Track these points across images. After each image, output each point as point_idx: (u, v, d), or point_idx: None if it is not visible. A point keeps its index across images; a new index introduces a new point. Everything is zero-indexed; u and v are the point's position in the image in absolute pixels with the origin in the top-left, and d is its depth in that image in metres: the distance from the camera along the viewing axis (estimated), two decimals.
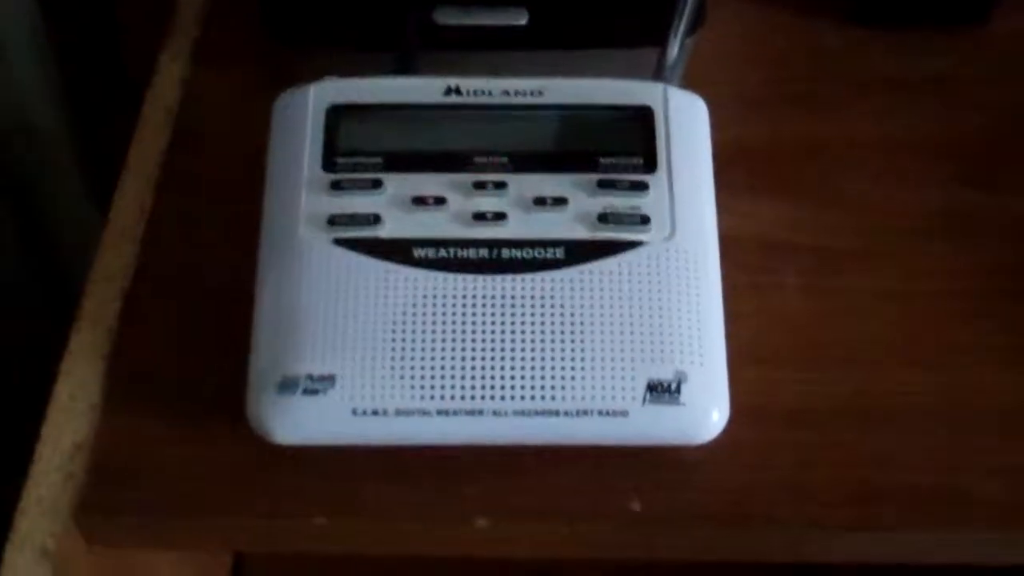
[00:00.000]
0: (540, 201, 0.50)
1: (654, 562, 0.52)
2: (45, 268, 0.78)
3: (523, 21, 0.56)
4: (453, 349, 0.48)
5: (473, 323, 0.48)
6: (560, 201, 0.50)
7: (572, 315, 0.48)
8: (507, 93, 0.52)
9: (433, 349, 0.48)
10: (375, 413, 0.47)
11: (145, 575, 0.60)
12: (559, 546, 0.50)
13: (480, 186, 0.50)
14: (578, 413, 0.47)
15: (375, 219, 0.50)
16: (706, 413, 0.48)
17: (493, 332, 0.48)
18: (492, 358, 0.47)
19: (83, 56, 0.75)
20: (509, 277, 0.49)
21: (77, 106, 0.75)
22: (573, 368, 0.47)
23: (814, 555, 0.50)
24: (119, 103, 0.62)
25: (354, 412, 0.47)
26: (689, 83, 0.56)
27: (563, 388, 0.47)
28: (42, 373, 0.53)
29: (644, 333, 0.48)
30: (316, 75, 0.54)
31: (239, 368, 0.49)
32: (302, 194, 0.51)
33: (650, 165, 0.51)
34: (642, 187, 0.50)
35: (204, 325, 0.53)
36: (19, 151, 0.74)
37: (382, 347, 0.48)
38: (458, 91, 0.52)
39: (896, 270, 0.55)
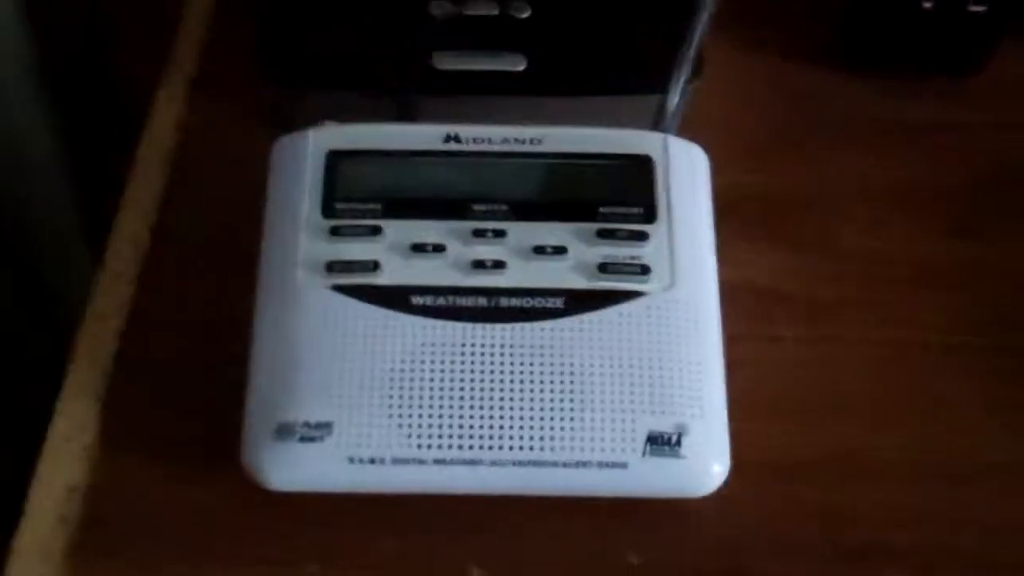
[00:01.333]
0: (539, 250, 0.50)
1: None
2: (37, 305, 0.77)
3: (521, 67, 0.56)
4: (451, 398, 0.47)
5: (471, 372, 0.48)
6: (560, 250, 0.50)
7: (571, 365, 0.48)
8: (507, 141, 0.52)
9: (431, 398, 0.47)
10: (371, 461, 0.47)
11: None
12: None
13: (479, 234, 0.50)
14: (577, 464, 0.47)
15: (374, 266, 0.50)
16: (707, 466, 0.48)
17: (491, 381, 0.48)
18: (490, 407, 0.47)
19: (79, 90, 0.75)
20: (508, 326, 0.49)
21: (72, 140, 0.75)
22: (572, 419, 0.47)
23: None
24: (114, 136, 0.62)
25: (350, 460, 0.47)
26: (685, 130, 0.57)
27: (562, 439, 0.47)
28: (35, 413, 0.53)
29: (644, 384, 0.48)
30: (314, 116, 0.54)
31: (235, 413, 0.49)
32: (300, 239, 0.50)
33: (650, 215, 0.51)
34: (642, 237, 0.50)
35: (200, 368, 0.53)
36: (13, 185, 0.73)
37: (379, 395, 0.47)
38: (457, 139, 0.52)
39: (887, 321, 0.55)
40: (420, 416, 0.47)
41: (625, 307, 0.49)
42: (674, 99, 0.55)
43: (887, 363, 0.54)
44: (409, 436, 0.47)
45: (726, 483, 0.48)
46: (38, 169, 0.74)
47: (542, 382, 0.48)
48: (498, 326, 0.49)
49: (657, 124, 0.55)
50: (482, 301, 0.49)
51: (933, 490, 0.51)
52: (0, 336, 0.77)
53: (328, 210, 0.51)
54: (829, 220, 0.58)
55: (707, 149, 0.54)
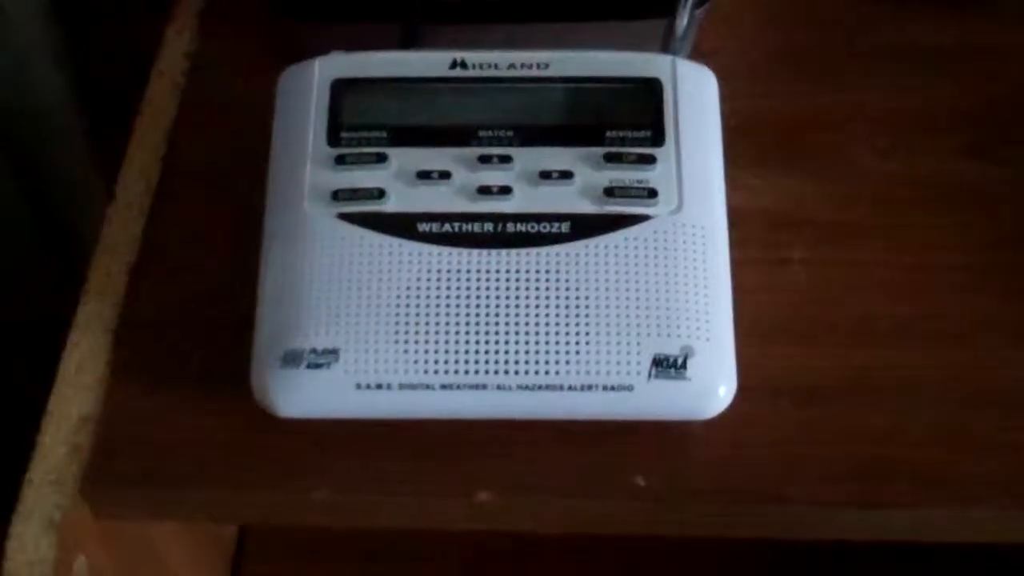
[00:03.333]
0: (546, 175, 0.50)
1: (659, 538, 0.51)
2: (50, 236, 0.78)
3: None
4: (457, 324, 0.47)
5: (477, 298, 0.48)
6: (566, 175, 0.50)
7: (577, 290, 0.48)
8: (513, 66, 0.52)
9: (437, 324, 0.47)
10: (379, 387, 0.47)
11: (150, 546, 0.60)
12: (561, 521, 0.50)
13: (485, 160, 0.50)
14: (583, 388, 0.47)
15: (379, 193, 0.50)
16: (712, 388, 0.48)
17: (497, 307, 0.48)
18: (496, 333, 0.47)
19: (90, 24, 0.75)
20: (514, 251, 0.48)
21: (84, 76, 0.75)
22: (578, 343, 0.47)
23: (819, 532, 0.50)
24: (129, 75, 0.62)
25: (358, 386, 0.47)
26: (698, 55, 0.56)
27: (568, 363, 0.47)
28: (49, 345, 0.54)
29: (650, 308, 0.48)
30: (323, 48, 0.53)
31: (245, 341, 0.49)
32: (306, 168, 0.50)
33: (658, 138, 0.51)
34: (649, 160, 0.50)
35: (211, 299, 0.53)
36: (22, 119, 0.73)
37: (386, 321, 0.48)
38: (464, 64, 0.52)
39: (904, 244, 0.54)
40: (427, 342, 0.47)
41: (632, 231, 0.49)
42: (682, 22, 0.54)
43: (901, 285, 0.53)
44: (416, 362, 0.47)
45: (734, 405, 0.48)
46: (51, 102, 0.74)
47: (548, 307, 0.48)
48: (504, 251, 0.49)
49: (666, 48, 0.54)
50: (488, 227, 0.49)
51: (947, 411, 0.50)
52: (14, 269, 0.77)
53: (333, 139, 0.51)
54: (843, 144, 0.57)
55: (719, 73, 0.53)
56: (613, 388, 0.47)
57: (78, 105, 0.74)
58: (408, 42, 0.55)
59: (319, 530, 0.72)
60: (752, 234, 0.53)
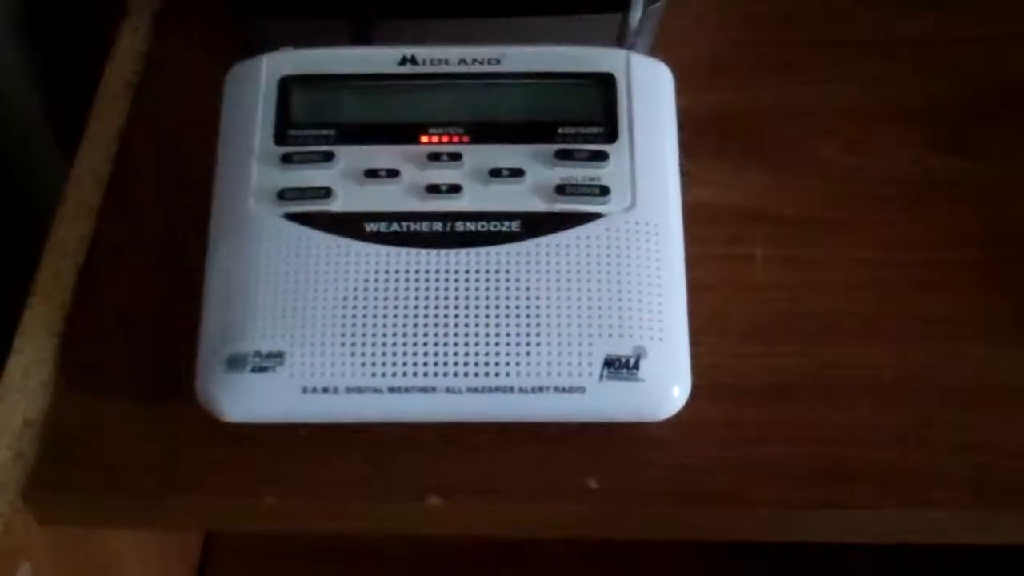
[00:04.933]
0: (496, 172, 0.49)
1: (612, 542, 0.50)
2: (23, 241, 0.77)
3: None
4: (405, 325, 0.46)
5: (426, 298, 0.47)
6: (517, 172, 0.49)
7: (528, 289, 0.47)
8: (464, 62, 0.51)
9: (385, 325, 0.46)
10: (325, 391, 0.46)
11: (104, 554, 0.59)
12: (514, 525, 0.49)
13: (435, 158, 0.49)
14: (534, 390, 0.46)
15: (326, 193, 0.49)
16: (666, 389, 0.47)
17: (447, 307, 0.47)
18: (446, 334, 0.46)
19: (59, 27, 0.74)
20: (463, 251, 0.48)
21: (53, 78, 0.74)
22: (529, 344, 0.46)
23: (777, 534, 0.49)
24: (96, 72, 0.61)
25: (304, 390, 0.46)
26: (659, 50, 0.55)
27: (518, 364, 0.46)
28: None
29: (602, 308, 0.47)
30: (277, 44, 0.52)
31: (191, 345, 0.48)
32: (253, 167, 0.49)
33: (611, 134, 0.50)
34: (602, 157, 0.49)
35: (160, 300, 0.52)
36: None
37: (332, 323, 0.47)
38: (413, 60, 0.51)
39: (867, 240, 0.54)
40: (374, 344, 0.46)
41: (584, 229, 0.48)
42: (636, 15, 0.53)
43: (865, 282, 0.52)
44: (363, 364, 0.46)
45: (691, 405, 0.47)
46: (17, 101, 0.73)
47: (498, 307, 0.47)
48: (453, 251, 0.48)
49: (621, 43, 0.53)
50: (437, 226, 0.48)
51: (910, 410, 0.49)
52: None
53: (280, 137, 0.50)
54: (807, 138, 0.57)
55: (681, 68, 0.52)
56: (565, 390, 0.46)
57: (47, 105, 0.74)
58: (360, 37, 0.54)
59: (285, 535, 0.72)
60: (713, 230, 0.53)
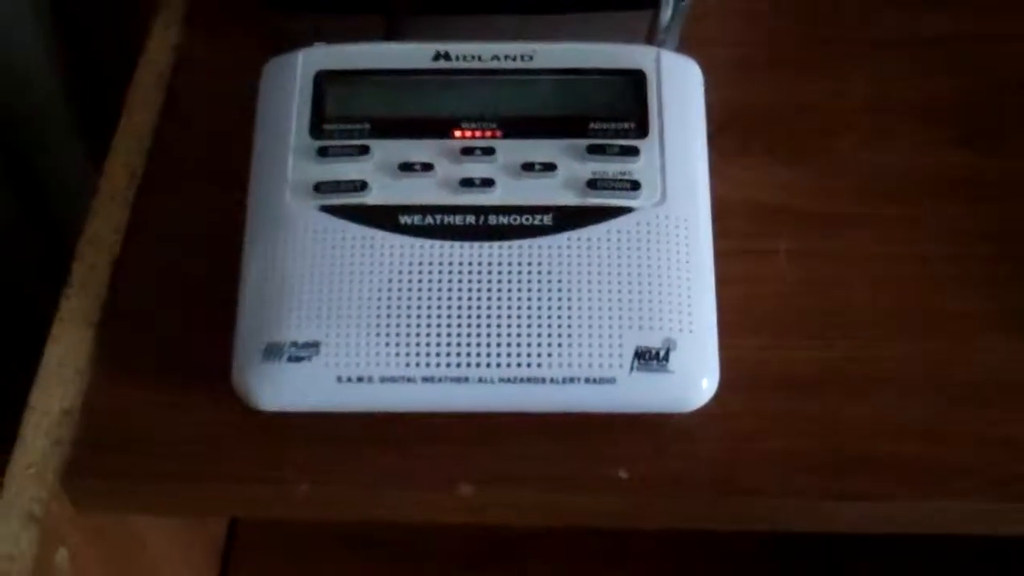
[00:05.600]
0: (528, 167, 0.49)
1: (641, 532, 0.51)
2: (45, 232, 0.78)
3: None
4: (439, 316, 0.47)
5: (459, 290, 0.48)
6: (549, 167, 0.49)
7: (560, 282, 0.48)
8: (497, 58, 0.52)
9: (419, 316, 0.47)
10: (360, 380, 0.47)
11: (136, 540, 0.60)
12: (544, 514, 0.50)
13: (468, 152, 0.50)
14: (565, 381, 0.47)
15: (362, 186, 0.49)
16: (695, 381, 0.47)
17: (479, 299, 0.47)
18: (478, 325, 0.47)
19: (84, 19, 0.75)
20: (496, 244, 0.48)
21: (76, 70, 0.75)
22: (560, 335, 0.47)
23: (802, 525, 0.50)
24: (122, 69, 0.62)
25: (339, 379, 0.47)
26: (684, 46, 0.56)
27: (550, 356, 0.47)
28: (38, 337, 0.53)
29: (633, 300, 0.47)
30: (309, 40, 0.53)
31: (228, 334, 0.49)
32: (289, 161, 0.50)
33: (641, 130, 0.50)
34: (633, 152, 0.50)
35: (194, 291, 0.53)
36: (17, 112, 0.73)
37: (367, 314, 0.47)
38: (447, 56, 0.52)
39: (890, 235, 0.54)
40: (408, 335, 0.47)
41: (615, 223, 0.49)
42: (667, 14, 0.54)
43: (887, 277, 0.53)
44: (397, 355, 0.47)
45: (718, 397, 0.48)
46: (41, 92, 0.74)
47: (530, 299, 0.47)
48: (486, 244, 0.48)
49: (651, 40, 0.54)
50: (470, 219, 0.49)
51: (933, 404, 0.50)
52: (7, 261, 0.77)
53: (316, 131, 0.51)
54: (830, 134, 0.57)
55: (707, 65, 0.53)
56: (595, 381, 0.47)
57: (73, 102, 0.74)
58: (392, 34, 0.55)
59: (309, 523, 0.72)
60: (737, 225, 0.53)
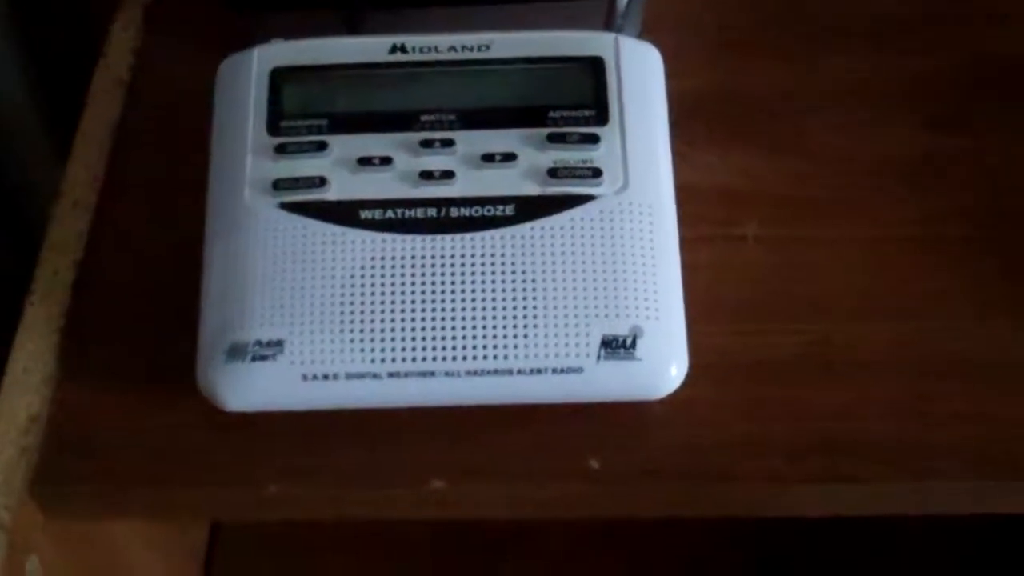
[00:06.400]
0: (488, 157, 0.49)
1: (617, 521, 0.51)
2: (13, 236, 0.77)
3: None
4: (403, 311, 0.47)
5: (423, 284, 0.47)
6: (509, 157, 0.49)
7: (523, 272, 0.47)
8: (454, 49, 0.51)
9: (382, 311, 0.47)
10: (325, 377, 0.46)
11: (112, 546, 0.60)
12: (517, 507, 0.50)
13: (427, 144, 0.49)
14: (532, 371, 0.46)
15: (321, 182, 0.49)
16: (663, 368, 0.47)
17: (443, 292, 0.47)
18: (443, 318, 0.47)
19: (49, 24, 0.75)
20: (458, 236, 0.48)
21: (42, 69, 0.75)
22: (526, 326, 0.47)
23: (776, 510, 0.50)
24: (89, 67, 0.61)
25: (304, 377, 0.46)
26: (648, 32, 0.55)
27: (516, 347, 0.46)
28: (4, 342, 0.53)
29: (598, 288, 0.47)
30: (267, 38, 0.53)
31: (193, 336, 0.48)
32: (247, 159, 0.50)
33: (601, 117, 0.50)
34: (593, 139, 0.49)
35: (159, 293, 0.53)
36: None
37: (330, 311, 0.47)
38: (403, 49, 0.51)
39: (859, 218, 0.54)
40: (372, 330, 0.47)
41: (577, 212, 0.48)
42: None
43: (859, 260, 0.53)
44: (362, 350, 0.46)
45: (688, 384, 0.47)
46: (8, 97, 0.74)
47: (494, 291, 0.47)
48: (448, 236, 0.48)
49: (608, 26, 0.53)
50: (432, 212, 0.48)
51: (906, 385, 0.50)
52: None
53: (273, 128, 0.50)
54: (798, 119, 0.57)
55: (672, 50, 0.53)
56: (563, 371, 0.46)
57: (40, 103, 0.74)
58: (353, 29, 0.55)
59: (293, 526, 0.72)
60: (705, 211, 0.53)
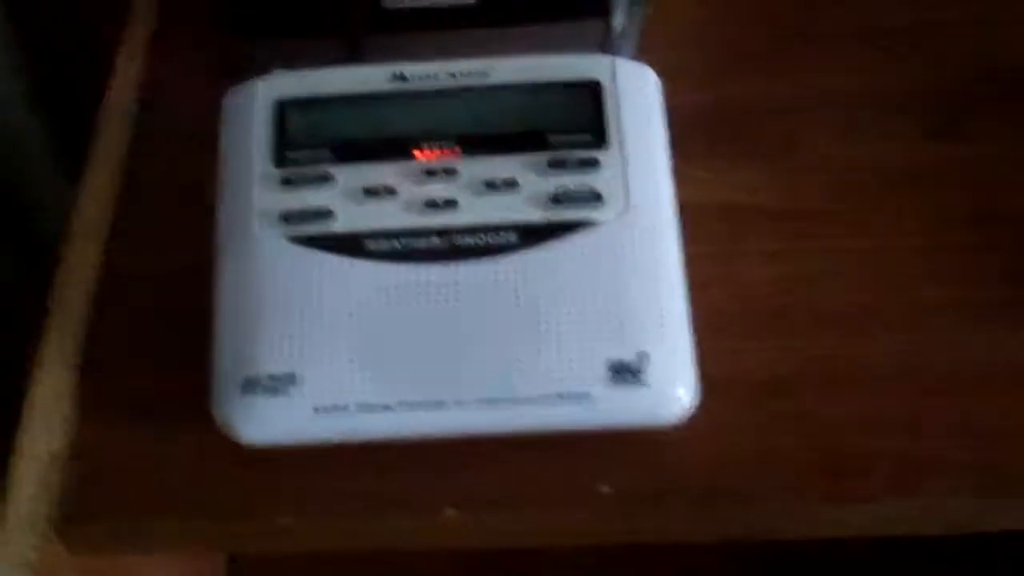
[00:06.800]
0: (491, 184, 0.49)
1: (630, 546, 0.51)
2: (24, 257, 0.78)
3: (472, 1, 0.55)
4: (411, 340, 0.47)
5: (430, 313, 0.48)
6: (511, 183, 0.49)
7: (529, 299, 0.48)
8: (453, 76, 0.51)
9: (392, 342, 0.47)
10: (337, 409, 0.47)
11: None
12: (529, 534, 0.50)
13: (430, 173, 0.50)
14: (540, 399, 0.47)
15: (327, 213, 0.49)
16: (671, 392, 0.47)
17: (451, 321, 0.47)
18: (451, 347, 0.47)
19: (53, 50, 0.75)
20: (463, 264, 0.48)
21: (50, 88, 0.75)
22: (532, 354, 0.47)
23: (792, 529, 0.50)
24: (95, 95, 0.62)
25: (316, 410, 0.47)
26: (645, 52, 0.55)
27: (523, 374, 0.47)
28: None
29: (603, 314, 0.47)
30: (269, 64, 0.53)
31: (206, 367, 0.49)
32: (254, 191, 0.50)
33: (601, 140, 0.50)
34: (593, 164, 0.49)
35: (173, 326, 0.53)
36: None
37: (340, 343, 0.47)
38: (403, 77, 0.52)
39: (862, 229, 0.54)
40: (381, 360, 0.47)
41: (580, 237, 0.48)
42: (619, 20, 0.53)
43: (862, 272, 0.53)
44: (372, 381, 0.47)
45: (698, 405, 0.47)
46: (14, 122, 0.74)
47: (499, 318, 0.47)
48: (452, 264, 0.48)
49: (605, 48, 0.53)
50: (436, 241, 0.49)
51: (916, 398, 0.50)
52: None
53: (279, 159, 0.51)
54: (797, 131, 0.57)
55: (668, 70, 0.53)
56: (571, 398, 0.47)
57: (41, 117, 0.75)
58: (353, 55, 0.55)
59: (310, 554, 0.73)
60: (707, 228, 0.53)
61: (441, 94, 0.51)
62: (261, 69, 0.53)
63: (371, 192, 0.50)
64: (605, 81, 0.51)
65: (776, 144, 0.56)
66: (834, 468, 0.48)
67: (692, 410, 0.47)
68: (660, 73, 0.52)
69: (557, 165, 0.49)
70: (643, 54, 0.54)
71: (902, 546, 0.71)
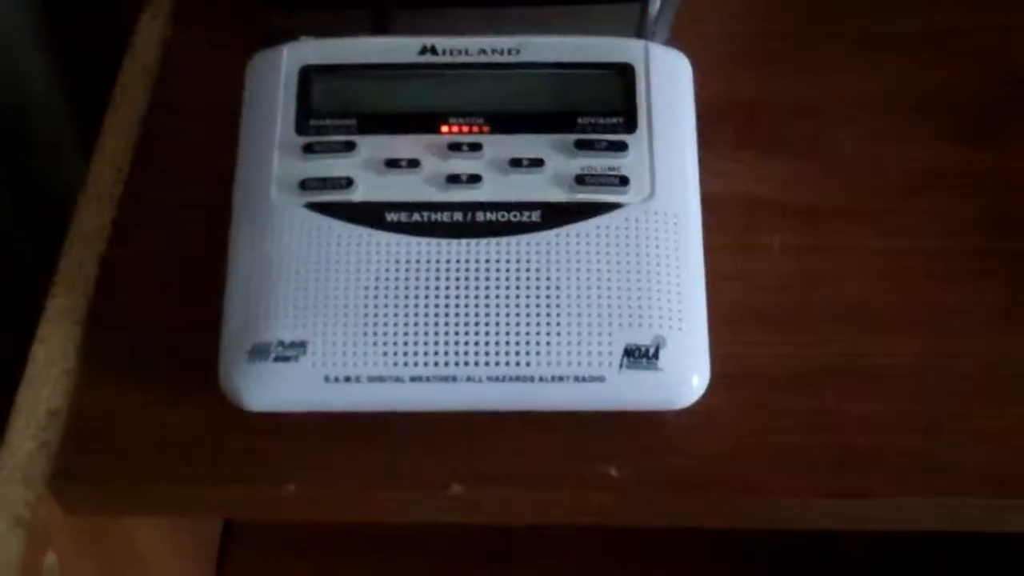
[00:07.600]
0: (516, 163, 0.49)
1: (633, 529, 0.51)
2: (36, 228, 0.77)
3: None
4: (426, 315, 0.47)
5: (447, 288, 0.47)
6: (536, 163, 0.49)
7: (548, 279, 0.47)
8: (484, 52, 0.51)
9: (406, 315, 0.47)
10: (347, 380, 0.46)
11: (128, 541, 0.60)
12: (535, 513, 0.50)
13: (455, 148, 0.49)
14: (554, 379, 0.46)
15: (348, 183, 0.49)
16: (685, 378, 0.47)
17: (467, 297, 0.47)
18: (466, 324, 0.47)
19: (75, 14, 0.75)
20: (484, 241, 0.48)
21: (70, 63, 0.75)
22: (549, 333, 0.46)
23: (795, 521, 0.49)
24: (115, 62, 0.61)
25: (326, 379, 0.46)
26: (677, 38, 0.55)
27: (538, 354, 0.46)
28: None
29: (622, 297, 0.47)
30: (297, 33, 0.53)
31: (216, 333, 0.48)
32: (274, 157, 0.50)
33: (630, 124, 0.50)
34: (621, 147, 0.49)
35: (181, 289, 0.53)
36: (7, 109, 0.73)
37: (354, 313, 0.47)
38: (433, 50, 0.51)
39: (884, 229, 0.53)
40: (396, 333, 0.46)
41: (603, 219, 0.48)
42: (655, 5, 0.53)
43: (881, 271, 0.52)
44: (384, 354, 0.46)
45: (710, 394, 0.47)
46: (39, 93, 0.74)
47: (518, 297, 0.47)
48: (473, 241, 0.48)
49: (640, 33, 0.53)
50: (458, 216, 0.48)
51: (929, 398, 0.49)
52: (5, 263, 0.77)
53: (302, 127, 0.50)
54: (824, 129, 0.57)
55: (700, 57, 0.52)
56: (585, 379, 0.46)
57: (66, 94, 0.74)
58: (381, 27, 0.54)
59: (306, 524, 0.72)
60: (730, 220, 0.53)
61: (470, 69, 0.51)
62: (288, 38, 0.53)
63: (393, 164, 0.49)
64: (637, 65, 0.51)
65: (801, 140, 0.56)
66: (845, 464, 0.48)
67: (703, 396, 0.47)
68: (691, 62, 0.52)
69: (584, 146, 0.49)
70: (674, 42, 0.53)
71: (902, 546, 0.71)
